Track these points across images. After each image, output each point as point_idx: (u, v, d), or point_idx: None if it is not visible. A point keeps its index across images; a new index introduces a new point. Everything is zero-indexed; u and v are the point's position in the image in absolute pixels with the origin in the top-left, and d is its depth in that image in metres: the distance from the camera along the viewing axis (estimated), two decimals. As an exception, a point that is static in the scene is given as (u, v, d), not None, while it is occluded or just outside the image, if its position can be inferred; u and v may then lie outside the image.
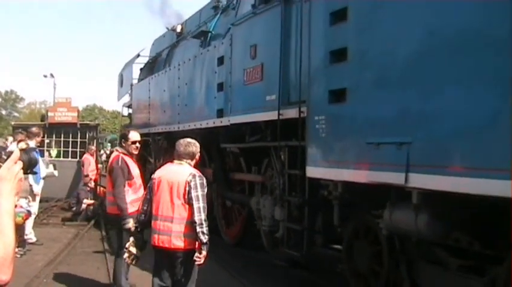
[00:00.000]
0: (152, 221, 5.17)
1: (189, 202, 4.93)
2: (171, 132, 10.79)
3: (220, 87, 8.25)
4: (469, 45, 3.95)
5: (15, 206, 1.80)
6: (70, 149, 18.59)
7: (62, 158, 18.00)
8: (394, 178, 4.51)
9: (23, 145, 2.00)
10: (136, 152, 6.53)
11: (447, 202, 4.35)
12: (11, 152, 1.82)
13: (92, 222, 12.02)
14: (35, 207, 9.29)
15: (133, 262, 5.55)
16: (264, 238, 7.36)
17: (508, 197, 3.64)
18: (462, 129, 3.97)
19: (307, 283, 7.14)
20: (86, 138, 18.13)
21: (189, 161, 5.22)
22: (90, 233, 10.99)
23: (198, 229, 4.84)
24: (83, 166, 14.31)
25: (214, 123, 8.38)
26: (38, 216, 11.10)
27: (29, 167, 1.89)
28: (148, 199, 5.31)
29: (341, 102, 5.24)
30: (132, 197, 6.31)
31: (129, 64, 16.12)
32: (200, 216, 4.88)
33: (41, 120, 20.25)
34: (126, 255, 5.48)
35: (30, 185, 8.72)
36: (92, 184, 14.03)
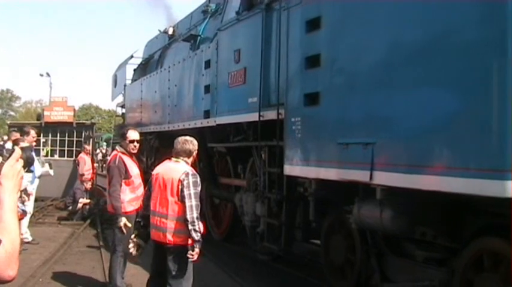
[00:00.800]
0: (150, 216, 5.30)
1: (182, 199, 5.01)
2: (162, 132, 11.17)
3: (207, 89, 8.63)
4: (428, 53, 4.33)
5: None
6: (66, 148, 18.36)
7: (57, 157, 17.92)
8: (361, 175, 4.89)
9: (25, 144, 2.18)
10: (135, 151, 6.59)
11: (409, 198, 4.73)
12: (13, 151, 1.86)
13: (88, 221, 12.03)
14: (30, 206, 9.33)
15: (139, 253, 5.64)
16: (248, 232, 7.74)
17: (463, 193, 4.03)
18: (419, 131, 4.35)
19: (287, 276, 7.47)
20: (81, 137, 18.05)
21: (185, 158, 5.27)
22: (86, 232, 11.00)
23: (190, 227, 4.93)
24: (79, 165, 14.38)
25: (201, 123, 8.76)
26: (34, 215, 11.14)
27: (26, 165, 1.92)
28: (149, 195, 5.44)
29: (315, 105, 5.62)
30: (131, 196, 6.42)
31: (123, 65, 16.49)
32: (192, 214, 4.96)
33: (37, 120, 20.05)
34: (131, 245, 5.58)
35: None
36: (89, 185, 14.06)
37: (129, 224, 6.23)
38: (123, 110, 16.36)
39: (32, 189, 9.28)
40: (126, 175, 6.37)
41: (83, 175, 14.04)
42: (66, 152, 18.53)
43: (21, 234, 8.78)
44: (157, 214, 5.18)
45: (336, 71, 5.34)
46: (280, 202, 6.48)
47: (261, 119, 6.68)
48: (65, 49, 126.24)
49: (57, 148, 18.65)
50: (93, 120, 33.60)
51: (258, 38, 6.87)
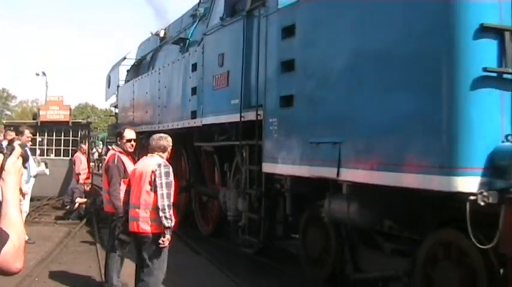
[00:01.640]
0: (129, 209, 5.53)
1: (154, 189, 5.21)
2: (153, 131, 11.53)
3: (194, 91, 9.04)
4: (387, 60, 4.74)
5: None
6: (62, 147, 18.29)
7: (53, 157, 17.87)
8: (329, 172, 5.30)
9: (18, 142, 2.09)
10: (131, 150, 6.65)
11: (374, 193, 5.12)
12: (13, 148, 1.93)
13: (84, 221, 11.96)
14: (26, 205, 9.29)
15: (125, 248, 5.79)
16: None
17: (416, 188, 4.44)
18: (379, 131, 4.76)
19: (266, 268, 7.75)
20: (78, 136, 18.02)
21: (160, 153, 5.49)
22: (82, 231, 10.90)
23: (161, 214, 5.15)
24: (75, 165, 14.45)
25: (189, 123, 9.19)
26: (30, 214, 11.11)
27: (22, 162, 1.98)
28: (129, 190, 5.66)
29: (289, 107, 6.03)
30: None
31: (116, 66, 16.86)
32: (163, 202, 5.18)
33: (33, 119, 20.07)
34: (116, 243, 5.73)
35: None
36: (88, 187, 14.00)
37: None
38: (117, 110, 16.74)
39: (28, 188, 9.25)
40: (125, 175, 6.33)
41: (79, 174, 14.12)
42: (62, 151, 18.31)
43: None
44: (132, 206, 5.42)
45: (307, 75, 5.75)
46: (260, 198, 6.90)
47: (242, 119, 7.09)
48: (61, 48, 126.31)
49: (53, 147, 18.38)
50: (89, 120, 33.81)
51: (240, 43, 7.26)
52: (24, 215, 9.16)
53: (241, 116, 7.09)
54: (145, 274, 5.33)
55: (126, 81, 15.50)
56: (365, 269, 6.09)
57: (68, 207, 13.27)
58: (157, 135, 5.65)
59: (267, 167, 6.45)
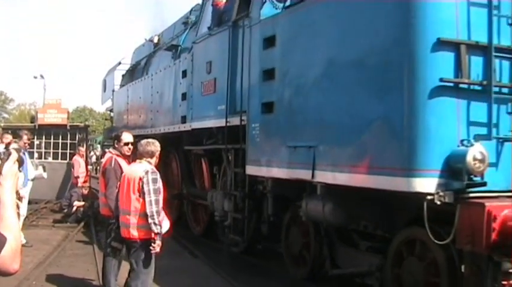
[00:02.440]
0: (119, 215, 5.65)
1: (143, 196, 5.26)
2: (146, 135, 11.92)
3: (184, 96, 9.45)
4: (356, 70, 5.13)
5: None
6: (60, 150, 18.27)
7: (51, 160, 17.87)
8: (305, 174, 5.69)
9: (15, 146, 2.30)
10: (129, 154, 6.62)
11: (346, 193, 5.50)
12: (10, 153, 2.01)
13: (82, 224, 11.92)
14: (23, 209, 9.34)
15: (117, 255, 5.92)
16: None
17: (381, 189, 4.81)
18: (348, 136, 5.15)
19: (249, 265, 8.08)
20: (75, 139, 17.87)
21: (148, 159, 5.52)
22: (79, 235, 10.89)
23: (150, 221, 5.19)
24: (73, 168, 14.43)
25: (179, 128, 9.59)
26: (28, 218, 11.08)
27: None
28: (118, 195, 5.81)
29: (270, 113, 6.42)
30: None
31: (112, 71, 17.24)
32: (152, 208, 5.22)
33: (31, 122, 20.02)
34: (109, 250, 5.83)
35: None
36: (86, 191, 13.99)
37: None
38: (112, 114, 17.12)
39: (25, 192, 9.17)
40: (121, 178, 6.36)
41: (77, 177, 14.14)
42: (60, 154, 18.27)
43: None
44: (123, 211, 5.49)
45: (286, 84, 6.14)
46: (244, 199, 7.28)
47: (228, 124, 7.48)
48: (59, 51, 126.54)
49: (51, 150, 18.36)
50: (87, 123, 33.99)
51: (226, 52, 7.65)
52: (22, 218, 9.16)
53: (226, 121, 7.47)
54: (131, 278, 5.42)
55: (121, 85, 15.89)
56: (342, 265, 6.47)
57: (65, 210, 13.28)
58: (145, 140, 5.73)
59: (250, 170, 6.83)
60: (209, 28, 8.41)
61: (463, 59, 4.54)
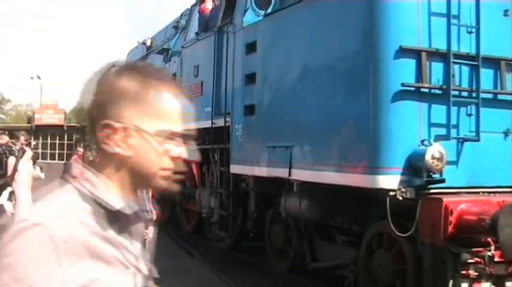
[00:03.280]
0: None
1: None
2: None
3: (174, 99, 9.76)
4: (328, 74, 5.50)
5: None
6: (57, 151, 18.80)
7: (48, 160, 18.33)
8: (283, 172, 6.05)
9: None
10: None
11: (321, 190, 5.86)
12: (24, 151, 2.49)
13: None
14: None
15: None
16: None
17: (349, 185, 5.17)
18: (319, 136, 5.52)
19: (238, 261, 8.42)
20: (73, 140, 18.74)
21: None
22: None
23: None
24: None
25: (170, 129, 9.90)
26: None
27: None
28: None
29: (251, 115, 6.79)
30: None
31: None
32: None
33: (28, 123, 20.46)
34: None
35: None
36: None
37: None
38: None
39: None
40: None
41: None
42: (57, 155, 18.76)
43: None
44: None
45: (266, 87, 6.52)
46: (229, 197, 7.64)
47: (214, 125, 7.85)
48: (56, 52, 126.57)
49: (48, 150, 18.87)
50: (84, 123, 34.12)
51: (212, 56, 8.02)
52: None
53: (212, 123, 7.84)
54: None
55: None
56: (321, 259, 6.82)
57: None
58: None
59: (234, 169, 7.20)
60: (196, 33, 8.78)
61: (424, 65, 4.90)
